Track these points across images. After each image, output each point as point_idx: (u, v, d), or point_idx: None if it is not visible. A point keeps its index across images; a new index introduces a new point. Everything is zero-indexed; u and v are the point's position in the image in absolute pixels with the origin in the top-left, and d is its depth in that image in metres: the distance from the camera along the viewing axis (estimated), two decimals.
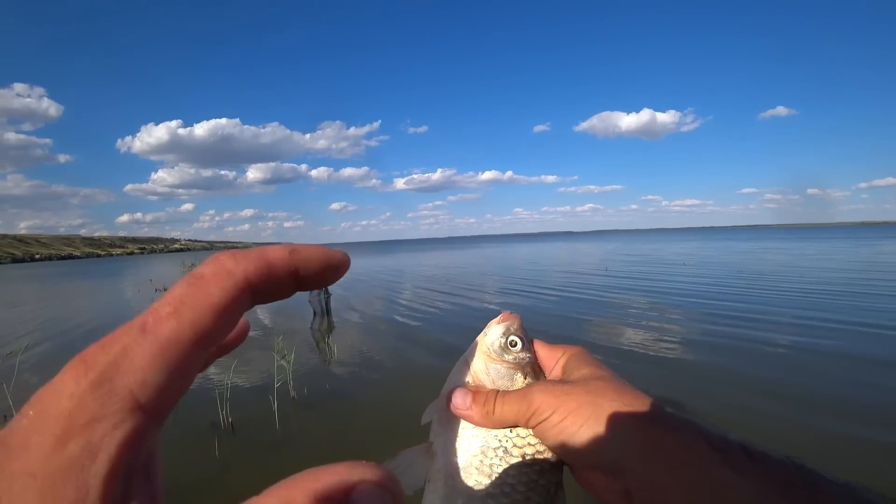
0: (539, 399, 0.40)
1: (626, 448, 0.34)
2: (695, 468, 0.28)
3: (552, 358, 0.46)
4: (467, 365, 0.47)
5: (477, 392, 0.43)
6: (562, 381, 0.42)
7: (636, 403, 0.36)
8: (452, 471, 0.42)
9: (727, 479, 0.27)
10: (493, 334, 0.47)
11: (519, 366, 0.45)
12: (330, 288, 9.78)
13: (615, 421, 0.35)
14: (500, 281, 16.56)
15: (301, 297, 12.18)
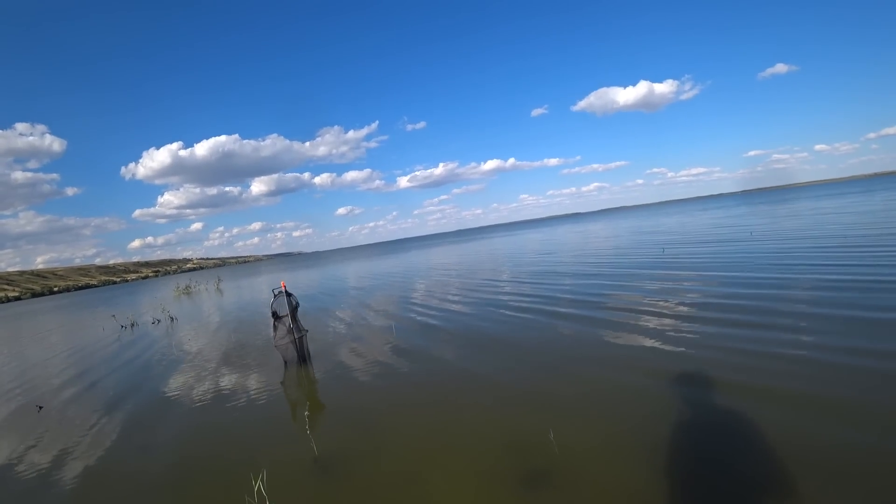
0: None
1: None
2: None
3: None
4: None
5: None
6: None
7: None
8: None
9: None
10: None
11: None
12: (302, 322, 6.86)
13: None
14: (527, 283, 13.49)
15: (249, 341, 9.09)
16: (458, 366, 5.95)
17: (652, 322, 6.67)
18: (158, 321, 15.90)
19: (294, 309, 6.74)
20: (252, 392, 6.07)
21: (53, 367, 10.31)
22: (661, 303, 7.80)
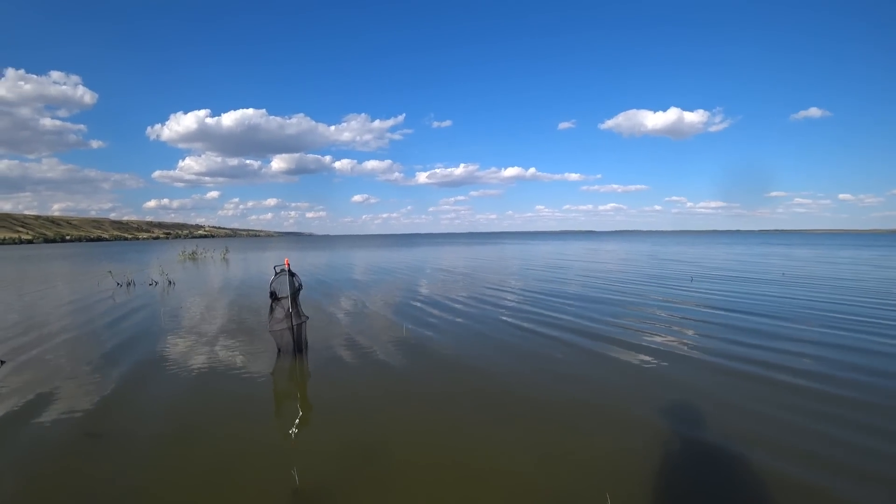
0: None
1: None
2: None
3: None
4: None
5: None
6: None
7: None
8: None
9: None
10: None
11: None
12: (303, 307, 6.11)
13: None
14: (549, 300, 12.64)
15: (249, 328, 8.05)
16: (472, 382, 5.15)
17: (681, 367, 5.81)
18: (156, 283, 15.28)
19: (296, 291, 5.97)
20: (234, 379, 5.32)
21: (37, 319, 9.67)
22: (693, 345, 6.93)
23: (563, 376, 5.32)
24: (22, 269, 26.73)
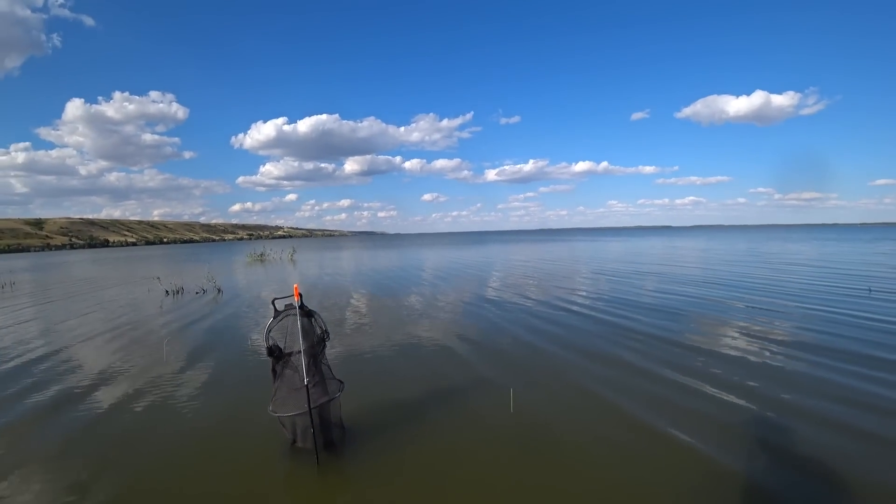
0: None
1: None
2: None
3: None
4: None
5: None
6: None
7: None
8: None
9: None
10: None
11: None
12: (329, 365, 3.42)
13: None
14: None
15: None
16: None
17: None
18: (204, 291, 13.67)
19: (318, 343, 3.34)
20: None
21: (58, 331, 7.95)
22: None
23: None
24: (103, 270, 27.31)
